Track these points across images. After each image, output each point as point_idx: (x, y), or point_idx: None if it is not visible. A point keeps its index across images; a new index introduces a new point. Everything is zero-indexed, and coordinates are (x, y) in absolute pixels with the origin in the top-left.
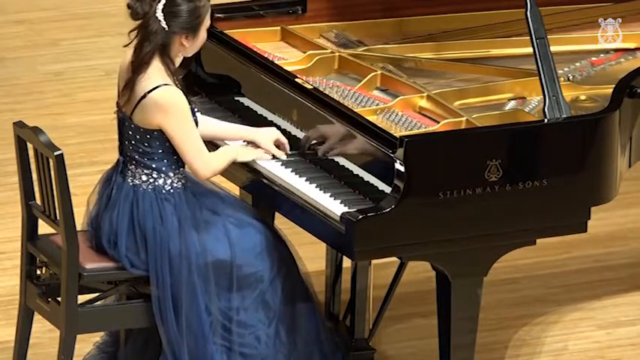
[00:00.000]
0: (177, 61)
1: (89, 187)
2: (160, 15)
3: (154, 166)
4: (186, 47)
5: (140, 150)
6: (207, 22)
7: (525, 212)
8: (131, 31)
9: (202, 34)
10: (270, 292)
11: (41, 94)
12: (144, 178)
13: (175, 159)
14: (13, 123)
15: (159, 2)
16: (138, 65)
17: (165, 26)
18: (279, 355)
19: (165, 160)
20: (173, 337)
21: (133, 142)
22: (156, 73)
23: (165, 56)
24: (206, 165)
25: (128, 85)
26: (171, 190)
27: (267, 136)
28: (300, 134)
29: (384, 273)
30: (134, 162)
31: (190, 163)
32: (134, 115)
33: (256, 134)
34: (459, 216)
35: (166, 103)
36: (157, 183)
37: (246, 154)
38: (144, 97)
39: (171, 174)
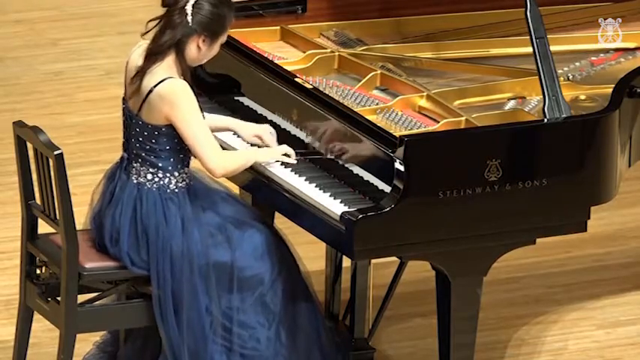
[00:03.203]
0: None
1: (89, 186)
2: (189, 9)
3: (160, 164)
4: (200, 51)
5: (147, 147)
6: (223, 37)
7: (525, 212)
8: (150, 21)
9: (216, 48)
10: (271, 293)
11: (41, 94)
12: (149, 177)
13: (181, 157)
14: (13, 123)
15: None
16: (153, 53)
17: (190, 20)
18: (279, 356)
19: (171, 159)
20: (173, 336)
21: (141, 139)
22: (163, 70)
23: (180, 54)
24: (219, 161)
25: (138, 75)
26: (176, 190)
27: (250, 129)
28: (300, 134)
29: (384, 273)
30: (140, 160)
31: (202, 159)
32: (142, 112)
33: (238, 126)
34: (459, 216)
35: (172, 94)
36: (161, 182)
37: (264, 155)
38: (150, 92)
39: (176, 173)
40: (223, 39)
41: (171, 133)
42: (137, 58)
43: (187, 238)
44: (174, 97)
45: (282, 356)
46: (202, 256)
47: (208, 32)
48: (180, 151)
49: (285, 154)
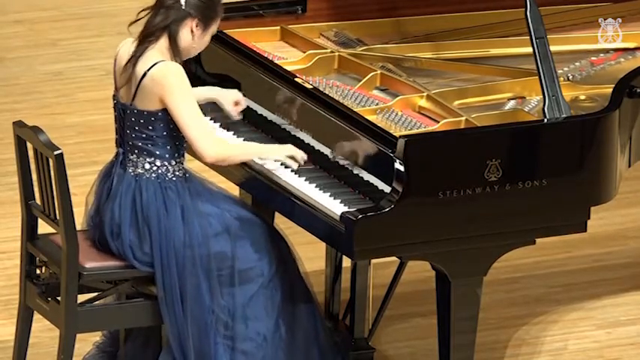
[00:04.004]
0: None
1: (89, 186)
2: None
3: (157, 152)
4: (194, 37)
5: (144, 135)
6: (215, 26)
7: (525, 212)
8: (141, 11)
9: (208, 37)
10: (270, 288)
11: (41, 94)
12: (147, 166)
13: (177, 145)
14: (13, 123)
15: None
16: (146, 35)
17: (182, 3)
18: (279, 352)
19: (168, 147)
20: (180, 330)
21: (136, 127)
22: (155, 54)
23: (173, 41)
24: (212, 146)
25: (131, 60)
26: (174, 179)
27: (230, 96)
28: (301, 134)
29: (383, 273)
30: (136, 151)
31: (192, 141)
32: (136, 100)
33: (219, 94)
34: (459, 216)
35: (164, 76)
36: (160, 171)
37: (268, 152)
38: (143, 77)
39: (173, 162)
40: (214, 29)
41: (167, 118)
42: (126, 51)
43: (188, 228)
44: (166, 79)
45: (282, 351)
46: (203, 246)
47: (201, 16)
48: (177, 137)
49: (291, 157)
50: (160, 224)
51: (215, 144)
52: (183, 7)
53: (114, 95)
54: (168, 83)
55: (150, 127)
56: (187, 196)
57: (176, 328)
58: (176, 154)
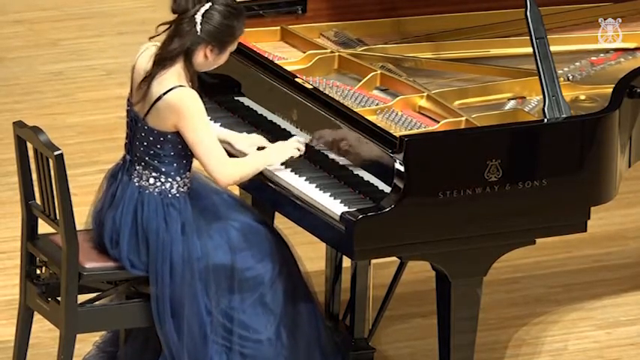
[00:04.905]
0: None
1: (89, 186)
2: (198, 18)
3: (163, 169)
4: (208, 59)
5: (152, 152)
6: (233, 47)
7: (525, 212)
8: (160, 25)
9: (225, 56)
10: (271, 293)
11: (41, 94)
12: (151, 181)
13: (184, 163)
14: (13, 123)
15: (202, 6)
16: (161, 59)
17: (198, 30)
18: (280, 357)
19: (174, 165)
20: (171, 339)
21: (145, 143)
22: (172, 77)
23: (188, 61)
24: (226, 171)
25: (146, 80)
26: (177, 195)
27: (247, 142)
28: (300, 134)
29: (384, 273)
30: (143, 163)
31: (209, 169)
32: (148, 117)
33: (235, 139)
34: (459, 216)
35: (181, 103)
36: (163, 187)
37: (276, 155)
38: (158, 99)
39: (178, 178)
40: (232, 48)
41: (177, 140)
42: (145, 62)
43: (188, 243)
44: (183, 107)
45: (283, 357)
46: (203, 259)
47: (216, 42)
48: (184, 157)
49: (297, 148)
50: (159, 238)
51: (230, 170)
52: (199, 34)
53: (128, 99)
54: (184, 112)
55: (158, 146)
56: (189, 212)
57: (167, 336)
58: (182, 171)
